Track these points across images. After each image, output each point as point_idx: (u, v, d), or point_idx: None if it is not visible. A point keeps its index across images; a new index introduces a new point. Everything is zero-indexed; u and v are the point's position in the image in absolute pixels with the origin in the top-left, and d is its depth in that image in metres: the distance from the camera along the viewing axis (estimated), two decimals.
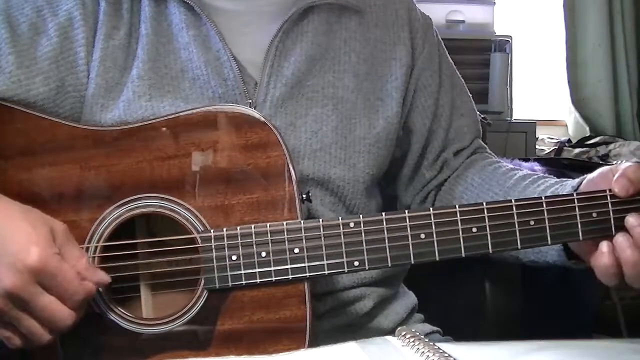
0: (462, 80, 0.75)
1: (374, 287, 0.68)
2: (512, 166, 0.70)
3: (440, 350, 0.46)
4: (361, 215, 0.55)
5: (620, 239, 0.54)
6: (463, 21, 1.74)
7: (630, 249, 0.53)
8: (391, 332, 0.58)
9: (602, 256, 0.54)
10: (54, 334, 0.51)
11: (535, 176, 0.66)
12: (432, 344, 0.47)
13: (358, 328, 0.67)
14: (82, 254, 0.53)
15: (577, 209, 0.55)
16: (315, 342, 0.55)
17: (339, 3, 0.67)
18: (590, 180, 0.58)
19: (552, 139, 1.94)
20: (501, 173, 0.68)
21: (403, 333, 0.50)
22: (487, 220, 0.55)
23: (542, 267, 0.64)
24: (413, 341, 0.48)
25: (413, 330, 0.50)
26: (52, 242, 0.51)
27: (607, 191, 0.56)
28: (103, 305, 0.56)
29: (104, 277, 0.53)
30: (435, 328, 0.73)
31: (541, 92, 2.12)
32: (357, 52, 0.68)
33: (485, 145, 0.76)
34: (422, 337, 0.49)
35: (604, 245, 0.54)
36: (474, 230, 0.55)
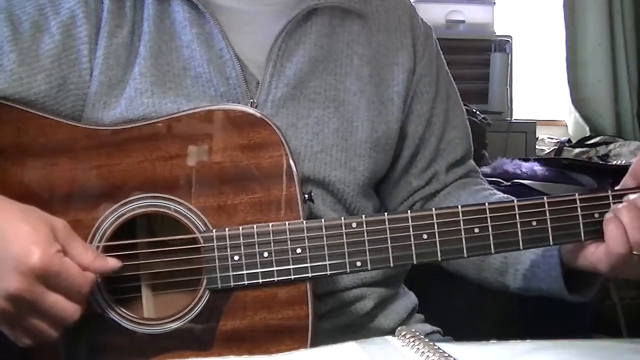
0: (458, 93, 0.75)
1: (375, 287, 0.68)
2: (506, 195, 0.69)
3: (440, 350, 0.46)
4: (363, 216, 0.55)
5: (617, 206, 0.54)
6: (463, 21, 1.74)
7: (625, 207, 0.53)
8: (391, 332, 0.58)
9: (608, 222, 0.54)
10: (62, 328, 0.52)
11: None
12: (432, 344, 0.47)
13: (358, 328, 0.67)
14: (86, 247, 0.53)
15: (579, 209, 0.55)
16: (316, 342, 0.55)
17: (342, 6, 0.67)
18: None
19: (552, 139, 1.94)
20: (497, 199, 0.68)
21: (403, 333, 0.50)
22: (489, 221, 0.55)
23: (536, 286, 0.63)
24: (413, 341, 0.48)
25: (413, 330, 0.50)
26: (53, 241, 0.51)
27: (609, 191, 0.56)
28: (105, 305, 0.56)
29: (115, 263, 0.54)
30: (435, 328, 0.73)
31: (541, 92, 2.12)
32: (359, 56, 0.68)
33: (479, 170, 0.76)
34: (422, 337, 0.49)
35: (609, 213, 0.54)
36: (476, 230, 0.55)
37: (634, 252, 0.53)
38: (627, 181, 0.57)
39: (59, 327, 0.52)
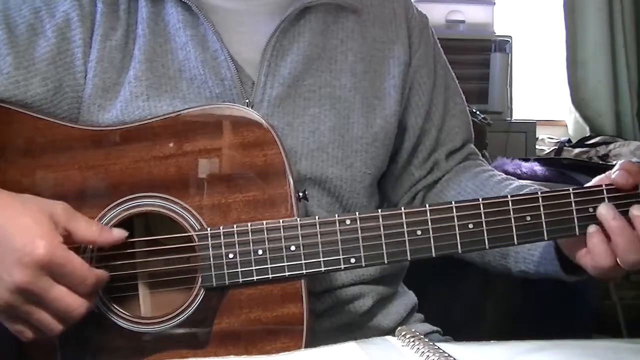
0: (456, 81, 0.75)
1: (374, 285, 0.68)
2: (506, 176, 0.69)
3: (440, 350, 0.46)
4: (357, 212, 0.55)
5: (603, 210, 0.54)
6: (463, 21, 1.74)
7: (614, 219, 0.53)
8: (391, 331, 0.58)
9: (592, 236, 0.54)
10: (66, 324, 0.52)
11: (532, 187, 0.65)
12: (432, 344, 0.47)
13: (358, 327, 0.66)
14: (90, 222, 0.53)
15: (573, 204, 0.55)
16: (314, 341, 0.55)
17: (336, 3, 0.67)
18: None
19: (552, 139, 1.94)
20: (496, 182, 0.68)
21: (403, 333, 0.50)
22: (483, 216, 0.55)
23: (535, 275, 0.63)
24: (413, 341, 0.48)
25: (413, 330, 0.50)
26: (56, 231, 0.51)
27: (603, 186, 0.55)
28: (101, 305, 0.56)
29: (121, 234, 0.54)
30: (435, 328, 0.73)
31: (541, 92, 2.11)
32: (354, 51, 0.67)
33: (479, 152, 0.76)
34: (422, 337, 0.49)
35: (592, 227, 0.54)
36: (470, 226, 0.55)
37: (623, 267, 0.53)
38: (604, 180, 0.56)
39: (64, 322, 0.51)
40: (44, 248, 0.49)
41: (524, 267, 0.63)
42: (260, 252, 0.54)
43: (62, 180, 0.57)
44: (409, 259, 0.55)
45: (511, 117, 1.76)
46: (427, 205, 0.55)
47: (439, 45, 0.74)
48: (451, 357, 0.45)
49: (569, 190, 0.55)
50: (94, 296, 0.53)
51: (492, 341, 0.50)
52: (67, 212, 0.53)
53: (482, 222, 0.54)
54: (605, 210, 0.54)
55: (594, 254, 0.54)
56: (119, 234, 0.54)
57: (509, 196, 0.55)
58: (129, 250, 0.56)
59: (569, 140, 1.90)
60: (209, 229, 0.55)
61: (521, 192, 0.61)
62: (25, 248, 0.49)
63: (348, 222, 0.55)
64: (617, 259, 0.53)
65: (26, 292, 0.49)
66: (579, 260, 0.56)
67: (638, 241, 0.53)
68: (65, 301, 0.50)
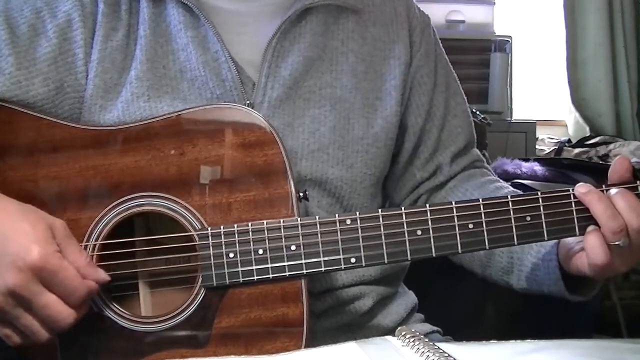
0: (458, 81, 0.75)
1: (374, 285, 0.68)
2: (512, 188, 0.69)
3: (440, 350, 0.46)
4: (357, 212, 0.55)
5: (578, 188, 0.54)
6: (463, 21, 1.74)
7: (589, 193, 0.54)
8: (391, 331, 0.58)
9: (589, 234, 0.54)
10: (54, 332, 0.52)
11: None
12: (432, 344, 0.48)
13: (358, 327, 0.67)
14: (81, 251, 0.53)
15: (573, 204, 0.55)
16: (314, 341, 0.55)
17: (336, 3, 0.67)
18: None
19: (552, 139, 1.94)
20: (504, 195, 0.67)
21: (403, 333, 0.50)
22: (483, 216, 0.55)
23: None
24: (413, 341, 0.48)
25: (413, 330, 0.50)
26: (52, 240, 0.51)
27: (603, 186, 0.56)
28: (101, 304, 0.56)
29: (103, 276, 0.54)
30: (435, 328, 0.73)
31: (541, 92, 2.11)
32: (355, 52, 0.68)
33: (484, 159, 0.75)
34: (422, 337, 0.49)
35: (590, 227, 0.54)
36: (471, 226, 0.55)
37: (611, 243, 0.53)
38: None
39: (51, 330, 0.52)
40: (38, 254, 0.49)
41: (526, 285, 0.63)
42: (260, 251, 0.55)
43: (63, 180, 0.57)
44: (409, 259, 0.55)
45: (511, 117, 1.76)
46: (427, 205, 0.55)
47: (441, 45, 0.74)
48: (451, 357, 0.45)
49: (569, 190, 0.55)
50: (84, 307, 0.53)
51: (492, 341, 0.50)
52: (65, 230, 0.53)
53: (482, 222, 0.54)
54: (580, 187, 0.55)
55: (589, 250, 0.54)
56: (102, 275, 0.53)
57: (509, 196, 0.55)
58: (129, 250, 0.56)
59: (569, 140, 1.90)
60: (209, 228, 0.55)
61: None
62: (20, 253, 0.49)
63: (348, 221, 0.55)
64: (603, 234, 0.53)
65: (17, 295, 0.49)
66: (576, 263, 0.56)
67: (615, 209, 0.53)
68: (54, 309, 0.50)
